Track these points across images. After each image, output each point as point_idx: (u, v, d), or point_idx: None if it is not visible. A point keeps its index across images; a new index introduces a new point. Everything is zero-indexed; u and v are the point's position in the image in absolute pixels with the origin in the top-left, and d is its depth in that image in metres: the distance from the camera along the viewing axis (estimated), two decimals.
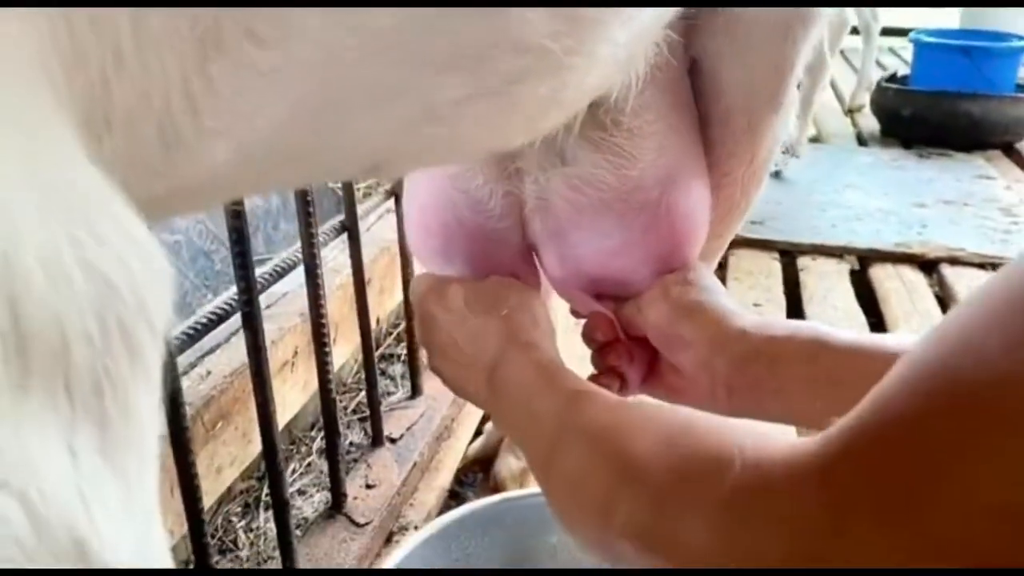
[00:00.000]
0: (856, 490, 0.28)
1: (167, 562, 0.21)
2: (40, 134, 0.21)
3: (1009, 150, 2.51)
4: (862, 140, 2.76)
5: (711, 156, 0.66)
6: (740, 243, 1.84)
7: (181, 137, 0.27)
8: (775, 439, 0.33)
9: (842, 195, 2.13)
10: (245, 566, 0.93)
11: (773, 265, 1.78)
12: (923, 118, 2.53)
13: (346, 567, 0.92)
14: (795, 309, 1.62)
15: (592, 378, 0.61)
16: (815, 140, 2.69)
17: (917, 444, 0.26)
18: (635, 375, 0.61)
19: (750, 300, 1.61)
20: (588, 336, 0.63)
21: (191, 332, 0.77)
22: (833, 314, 1.56)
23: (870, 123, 2.84)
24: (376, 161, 0.38)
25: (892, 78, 2.80)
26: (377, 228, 1.41)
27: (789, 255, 1.83)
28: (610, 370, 0.61)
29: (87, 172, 0.21)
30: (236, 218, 0.77)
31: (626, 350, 0.61)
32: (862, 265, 1.80)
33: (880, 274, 1.73)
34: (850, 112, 3.06)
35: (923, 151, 2.50)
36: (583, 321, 0.65)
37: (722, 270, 1.75)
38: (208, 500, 0.91)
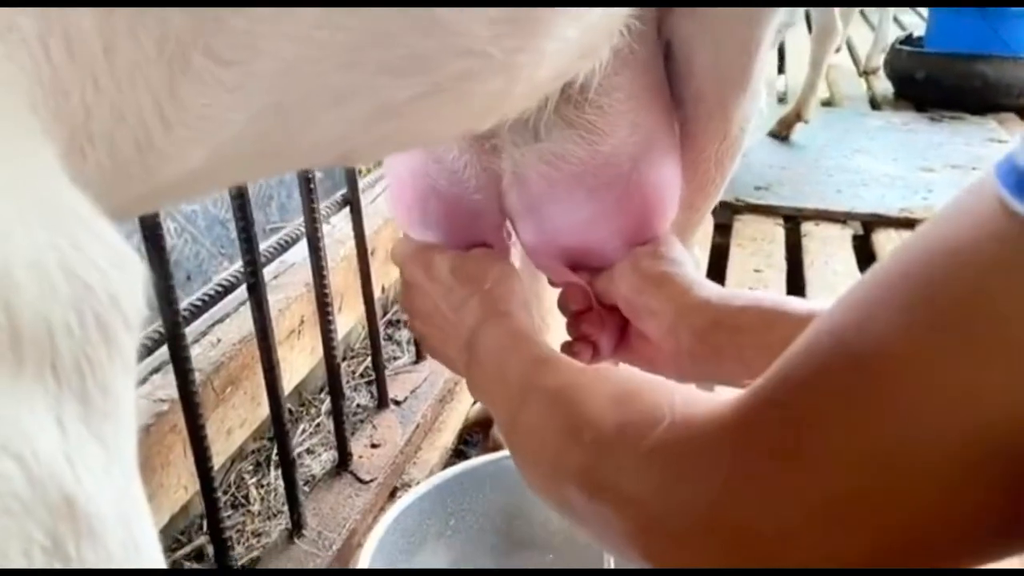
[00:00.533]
0: (760, 443, 0.32)
1: (144, 513, 0.25)
2: (28, 158, 0.25)
3: (1023, 113, 2.48)
4: (875, 103, 2.73)
5: (685, 135, 0.69)
6: (745, 209, 1.85)
7: (157, 147, 0.31)
8: (705, 397, 0.36)
9: (851, 160, 2.12)
10: (256, 520, 0.99)
11: (777, 231, 1.79)
12: (936, 80, 2.50)
13: (351, 521, 0.98)
14: (796, 274, 1.63)
15: (565, 345, 0.65)
16: (828, 103, 2.67)
17: (809, 403, 0.30)
18: (607, 343, 0.64)
19: (751, 266, 1.63)
20: (562, 305, 0.67)
21: (200, 303, 0.82)
22: (834, 279, 1.57)
23: (884, 85, 2.81)
24: (343, 152, 0.42)
25: (907, 40, 2.77)
26: (382, 200, 1.44)
27: (793, 220, 1.84)
28: (582, 338, 0.64)
29: (68, 190, 0.25)
30: (239, 197, 0.81)
31: (598, 319, 0.65)
32: (866, 231, 1.81)
33: (883, 239, 1.74)
34: (865, 74, 3.02)
35: (936, 114, 2.48)
36: None
37: (726, 236, 1.77)
38: (220, 459, 0.97)
